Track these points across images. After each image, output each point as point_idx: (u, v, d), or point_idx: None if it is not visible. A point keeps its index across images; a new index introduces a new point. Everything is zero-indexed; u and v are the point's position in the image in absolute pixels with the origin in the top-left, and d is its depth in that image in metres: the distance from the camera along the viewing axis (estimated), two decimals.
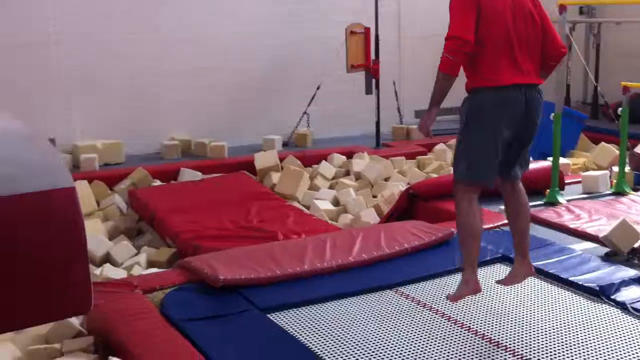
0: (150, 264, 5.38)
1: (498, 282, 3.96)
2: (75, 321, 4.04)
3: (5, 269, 2.20)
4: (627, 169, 6.38)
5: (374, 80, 8.79)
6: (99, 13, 8.13)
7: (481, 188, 3.43)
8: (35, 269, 2.23)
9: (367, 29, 8.78)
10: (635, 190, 6.20)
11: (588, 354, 3.38)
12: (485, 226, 5.11)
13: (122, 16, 8.23)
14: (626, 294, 3.94)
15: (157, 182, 7.19)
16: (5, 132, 2.47)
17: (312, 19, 9.22)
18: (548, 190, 5.97)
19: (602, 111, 10.07)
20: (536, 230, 5.16)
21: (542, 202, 5.89)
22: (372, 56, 8.78)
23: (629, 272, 4.22)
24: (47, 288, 2.21)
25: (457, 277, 4.31)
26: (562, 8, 5.91)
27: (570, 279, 4.17)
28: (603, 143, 7.97)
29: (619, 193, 6.13)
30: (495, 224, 5.23)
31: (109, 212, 6.48)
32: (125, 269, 5.25)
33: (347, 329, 3.66)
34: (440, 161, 8.03)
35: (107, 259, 5.52)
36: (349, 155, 8.14)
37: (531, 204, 5.73)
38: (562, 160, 7.17)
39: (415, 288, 4.20)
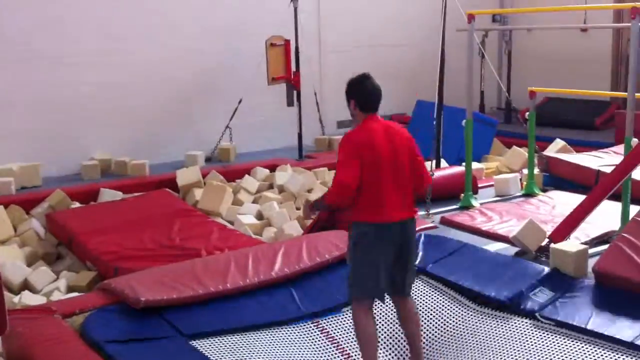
0: (71, 288, 5.29)
1: None
2: None
3: None
4: (536, 171, 6.68)
5: (295, 92, 8.89)
6: (18, 29, 7.92)
7: (372, 302, 3.71)
8: None
9: (287, 41, 8.87)
10: (544, 191, 6.51)
11: None
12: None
13: (40, 33, 8.04)
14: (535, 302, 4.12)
15: (77, 204, 7.05)
16: None
17: (232, 32, 9.24)
18: (463, 195, 6.19)
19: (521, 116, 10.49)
20: (450, 233, 5.37)
21: (458, 206, 6.11)
22: (293, 68, 8.89)
23: (536, 271, 4.42)
24: None
25: None
26: (471, 17, 6.17)
27: (483, 292, 4.28)
28: (514, 147, 8.31)
29: (529, 194, 6.42)
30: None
31: (26, 238, 6.32)
32: (45, 295, 5.15)
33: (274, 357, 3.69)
34: None
35: (26, 285, 5.39)
36: (273, 168, 8.19)
37: (447, 208, 6.03)
38: (475, 165, 7.46)
39: (333, 321, 4.21)
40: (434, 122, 6.59)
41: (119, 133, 8.66)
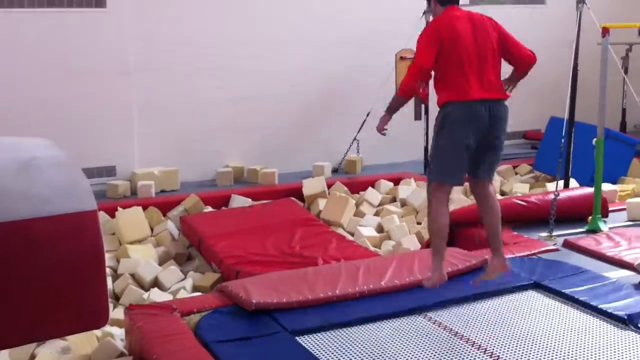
0: (196, 288, 5.61)
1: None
2: (119, 343, 4.30)
3: (31, 284, 2.44)
4: None
5: (423, 106, 8.88)
6: (163, 45, 8.54)
7: (451, 188, 3.83)
8: (58, 285, 2.46)
9: None
10: None
11: None
12: (521, 253, 5.16)
13: (179, 48, 8.61)
14: None
15: (209, 209, 7.46)
16: (41, 158, 2.73)
17: (363, 45, 9.40)
18: (590, 217, 5.93)
19: None
20: (572, 258, 5.17)
21: (584, 229, 5.86)
22: None
23: None
24: (67, 303, 2.43)
25: (488, 304, 4.39)
26: (605, 31, 5.92)
27: (600, 306, 4.17)
28: None
29: None
30: (532, 252, 5.24)
31: (161, 238, 6.77)
32: (172, 293, 5.49)
33: (374, 353, 3.77)
34: None
35: (156, 283, 5.78)
36: (397, 181, 8.24)
37: (572, 230, 5.78)
38: (609, 186, 7.11)
39: (445, 314, 4.27)
40: (562, 140, 6.36)
41: (251, 142, 9.07)
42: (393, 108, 4.11)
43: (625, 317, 3.98)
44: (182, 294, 5.36)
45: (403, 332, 4.02)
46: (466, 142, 3.70)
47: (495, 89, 3.81)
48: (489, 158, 3.83)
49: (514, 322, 4.10)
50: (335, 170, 9.00)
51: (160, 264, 6.19)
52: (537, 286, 4.60)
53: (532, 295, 4.52)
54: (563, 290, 4.44)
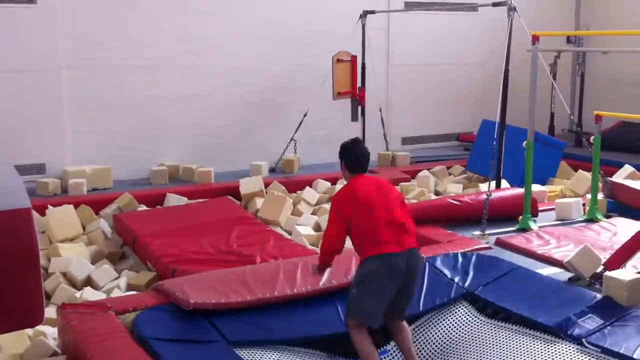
0: (130, 287, 5.50)
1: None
2: (52, 341, 4.18)
3: None
4: (600, 196, 6.52)
5: (359, 107, 8.98)
6: (96, 42, 8.34)
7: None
8: None
9: (354, 57, 8.99)
10: (607, 217, 6.34)
11: None
12: (454, 251, 5.26)
13: (113, 44, 8.43)
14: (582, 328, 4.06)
15: (143, 207, 7.33)
16: None
17: (301, 45, 9.42)
18: (521, 217, 6.11)
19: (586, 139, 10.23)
20: (504, 255, 5.31)
21: (515, 228, 6.03)
22: (359, 84, 8.98)
23: (588, 298, 4.35)
24: (1, 302, 2.34)
25: (421, 322, 4.44)
26: (535, 38, 6.11)
27: (532, 317, 4.24)
28: (580, 171, 8.13)
29: (591, 220, 6.27)
30: (465, 249, 5.35)
31: (93, 236, 6.61)
32: (105, 292, 5.38)
33: None
34: (422, 188, 8.17)
35: (89, 282, 5.64)
36: (334, 181, 8.29)
37: (503, 229, 5.96)
38: (538, 187, 7.35)
39: None
40: (494, 142, 6.53)
41: (187, 140, 8.97)
42: (322, 268, 4.31)
43: (555, 328, 4.08)
44: (116, 293, 5.25)
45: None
46: (387, 294, 3.92)
47: (408, 240, 4.00)
48: (404, 303, 4.06)
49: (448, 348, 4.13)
50: (272, 170, 8.99)
51: (93, 262, 6.06)
52: (470, 297, 4.65)
53: (463, 312, 4.56)
54: (497, 303, 4.49)
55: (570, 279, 4.74)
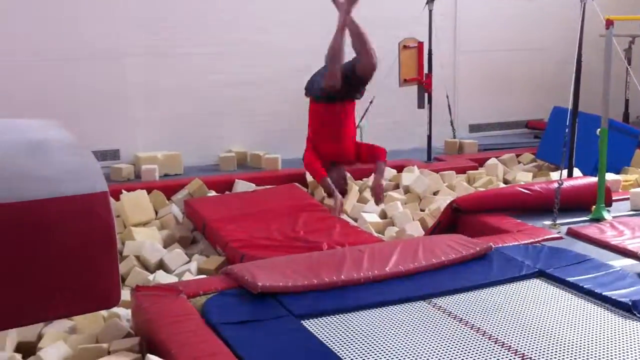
0: (200, 271, 5.63)
1: None
2: (126, 323, 4.33)
3: (43, 264, 2.45)
4: None
5: (426, 95, 8.89)
6: (164, 28, 8.53)
7: None
8: (70, 265, 2.47)
9: (421, 43, 8.89)
10: None
11: None
12: (524, 241, 5.19)
13: (186, 30, 8.60)
14: None
15: (213, 193, 7.48)
16: (52, 140, 2.74)
17: (367, 30, 9.36)
18: (594, 207, 5.95)
19: None
20: (576, 246, 5.19)
21: (588, 218, 5.88)
22: (426, 71, 8.89)
23: None
24: (79, 283, 2.44)
25: (492, 291, 4.41)
26: (609, 23, 5.92)
27: (604, 294, 4.19)
28: None
29: None
30: (535, 239, 5.27)
31: (165, 221, 6.79)
32: (177, 275, 5.52)
33: (378, 337, 3.78)
34: (491, 176, 8.05)
35: (161, 265, 5.80)
36: (400, 169, 8.25)
37: (576, 219, 5.82)
38: (612, 176, 7.13)
39: (449, 300, 4.28)
40: (566, 130, 6.37)
41: (255, 127, 9.08)
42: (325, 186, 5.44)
43: (630, 304, 4.01)
44: (187, 277, 5.38)
45: (407, 318, 4.04)
46: None
47: None
48: None
49: (519, 310, 4.12)
50: None
51: (165, 246, 6.22)
52: (542, 274, 4.62)
53: (537, 283, 4.54)
54: (567, 279, 4.46)
55: None
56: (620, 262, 4.81)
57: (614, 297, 4.14)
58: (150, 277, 5.40)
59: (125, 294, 4.69)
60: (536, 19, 10.49)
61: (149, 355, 3.22)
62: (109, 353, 3.80)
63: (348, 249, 5.04)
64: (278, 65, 9.04)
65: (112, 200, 6.71)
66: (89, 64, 8.16)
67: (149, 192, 7.13)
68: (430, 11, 8.93)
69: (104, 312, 4.42)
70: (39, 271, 2.55)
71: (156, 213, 7.02)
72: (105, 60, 8.23)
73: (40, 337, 4.17)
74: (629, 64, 9.41)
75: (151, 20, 8.46)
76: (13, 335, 4.06)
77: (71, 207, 2.61)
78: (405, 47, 8.78)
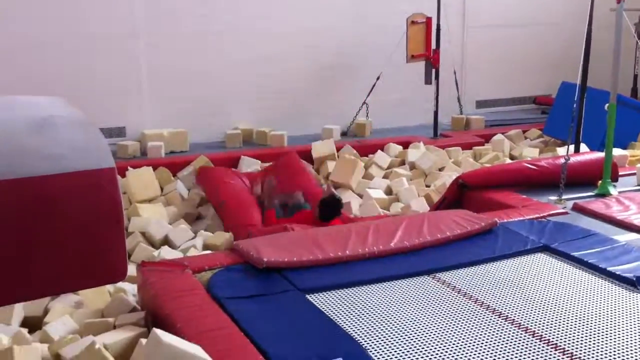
0: (206, 247, 5.66)
1: None
2: (131, 298, 4.36)
3: (52, 239, 2.47)
4: None
5: (433, 70, 8.84)
6: (171, 8, 8.48)
7: None
8: (77, 240, 2.49)
9: (429, 19, 8.83)
10: None
11: (621, 342, 3.42)
12: (530, 216, 5.18)
13: (188, 10, 8.55)
14: None
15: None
16: (59, 116, 2.74)
17: (374, 9, 9.31)
18: (600, 182, 5.92)
19: None
20: (582, 221, 5.18)
21: (594, 193, 5.86)
22: (433, 46, 8.83)
23: None
24: (86, 258, 2.46)
25: (496, 265, 4.42)
26: None
27: (609, 269, 4.19)
28: None
29: None
30: (541, 214, 5.26)
31: (171, 197, 6.81)
32: (182, 251, 5.55)
33: (382, 311, 3.80)
34: (497, 152, 8.03)
35: (166, 241, 5.83)
36: (406, 145, 8.23)
37: (581, 194, 5.80)
38: (619, 151, 7.09)
39: (453, 275, 4.29)
40: (574, 105, 6.32)
41: (261, 105, 9.05)
42: None
43: (634, 279, 4.01)
44: (192, 252, 5.41)
45: (412, 292, 4.06)
46: None
47: None
48: None
49: (524, 284, 4.13)
50: (344, 134, 9.00)
51: (171, 222, 6.24)
52: (546, 249, 4.62)
53: (542, 258, 4.54)
54: (572, 253, 4.46)
55: None
56: (625, 237, 4.80)
57: (618, 272, 4.14)
58: (155, 253, 5.43)
59: (131, 270, 4.71)
60: None
61: (155, 329, 3.23)
62: (114, 327, 3.84)
63: (352, 225, 5.05)
64: (283, 44, 9.00)
65: (118, 177, 6.81)
66: (95, 43, 8.13)
67: (154, 169, 7.15)
68: None
69: (110, 287, 4.46)
70: (46, 245, 2.56)
71: (162, 190, 7.04)
72: (111, 39, 8.21)
73: (46, 311, 4.21)
74: (639, 38, 9.30)
75: (161, 1, 8.42)
76: (19, 310, 4.10)
77: (78, 183, 2.62)
78: (413, 22, 8.71)
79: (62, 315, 4.02)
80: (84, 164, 2.66)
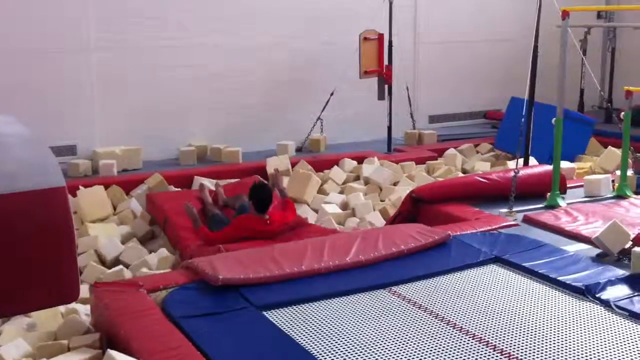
0: (159, 266, 5.59)
1: None
2: (85, 318, 4.29)
3: (2, 259, 2.42)
4: (630, 172, 6.45)
5: (386, 86, 8.95)
6: (123, 22, 8.39)
7: None
8: (29, 260, 2.44)
9: (381, 35, 8.94)
10: (636, 193, 6.28)
11: (572, 351, 3.50)
12: (482, 229, 5.28)
13: (141, 24, 8.47)
14: (611, 293, 4.06)
15: (172, 188, 7.41)
16: (8, 135, 2.70)
17: (328, 25, 9.40)
18: (549, 194, 6.07)
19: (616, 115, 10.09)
20: (532, 232, 5.30)
21: (543, 205, 6.00)
22: (386, 62, 8.94)
23: (616, 272, 4.35)
24: (38, 278, 2.42)
25: (450, 278, 4.48)
26: (565, 13, 6.02)
27: (559, 278, 4.30)
28: (610, 147, 8.03)
29: (620, 196, 6.21)
30: (492, 227, 5.36)
31: (124, 217, 6.72)
32: (135, 270, 5.47)
33: (340, 327, 3.82)
34: (450, 166, 8.15)
35: (118, 261, 5.75)
36: (361, 160, 8.30)
37: (531, 206, 5.93)
38: (567, 164, 7.29)
39: (408, 288, 4.34)
40: (522, 119, 6.48)
41: (215, 121, 9.02)
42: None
43: (583, 288, 4.12)
44: (146, 272, 5.34)
45: (369, 306, 4.09)
46: None
47: None
48: None
49: (477, 295, 4.21)
50: (299, 149, 9.03)
51: (123, 242, 6.16)
52: (498, 260, 4.71)
53: (494, 269, 4.63)
54: (523, 264, 4.56)
55: (598, 255, 4.72)
56: (574, 247, 4.93)
57: (568, 282, 4.24)
58: (108, 272, 5.35)
59: (83, 290, 4.64)
60: (495, 11, 10.63)
61: (109, 351, 3.19)
62: (69, 349, 3.76)
63: (309, 240, 5.06)
64: (236, 59, 9.00)
65: (69, 196, 6.69)
66: (46, 58, 8.00)
67: (107, 188, 7.05)
68: (391, 3, 8.97)
69: (62, 309, 4.37)
70: None
71: (115, 208, 6.94)
72: (60, 54, 8.08)
73: None
74: (584, 54, 9.60)
75: (110, 14, 8.33)
76: None
77: (29, 202, 2.58)
78: (365, 38, 8.82)
79: (15, 337, 3.92)
80: (34, 183, 2.63)
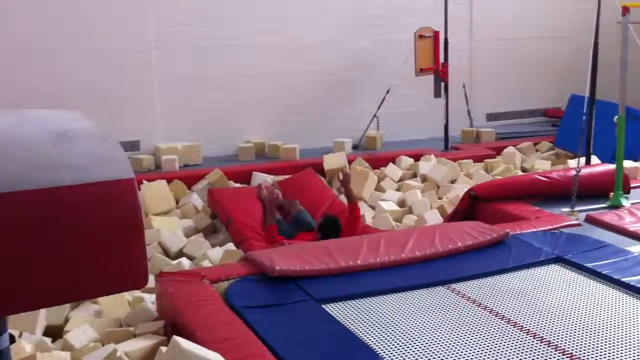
0: (223, 260, 5.70)
1: None
2: (151, 306, 4.43)
3: (73, 249, 2.54)
4: None
5: (442, 84, 8.91)
6: (184, 22, 8.60)
7: None
8: (99, 249, 2.56)
9: (436, 33, 8.91)
10: None
11: (635, 353, 3.44)
12: (543, 228, 5.22)
13: (200, 24, 8.66)
14: None
15: (232, 183, 7.56)
16: (78, 129, 2.82)
17: (383, 24, 9.42)
18: (612, 193, 5.96)
19: None
20: (595, 232, 5.21)
21: (606, 205, 5.89)
22: (442, 60, 8.91)
23: None
24: (108, 266, 2.53)
25: (510, 276, 4.45)
26: (625, 9, 5.91)
27: (622, 279, 4.22)
28: None
29: None
30: (554, 226, 5.30)
31: (186, 210, 6.88)
32: (198, 263, 5.61)
33: (399, 322, 3.83)
34: (508, 164, 8.07)
35: (182, 253, 5.90)
36: (417, 157, 8.29)
37: (594, 206, 5.83)
38: (630, 163, 7.13)
39: (467, 285, 4.32)
40: (584, 118, 6.38)
41: (272, 118, 9.15)
42: None
43: None
44: (207, 264, 5.48)
45: (427, 302, 4.10)
46: None
47: None
48: None
49: (539, 294, 4.16)
50: (355, 147, 9.07)
51: (186, 235, 6.31)
52: (560, 260, 4.65)
53: (555, 269, 4.57)
54: (586, 264, 4.49)
55: None
56: (638, 248, 4.83)
57: (632, 283, 4.17)
58: (173, 263, 5.50)
59: (149, 280, 4.78)
60: (553, 7, 10.46)
61: (175, 337, 3.30)
62: (135, 336, 3.90)
63: (365, 236, 5.10)
64: (295, 58, 9.10)
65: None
66: (110, 58, 8.26)
67: (169, 182, 7.23)
68: (446, 0, 8.93)
69: (128, 297, 4.53)
70: (70, 252, 2.63)
71: (177, 202, 7.12)
72: (125, 54, 8.33)
73: (66, 320, 4.29)
74: None
75: (172, 14, 8.54)
76: (42, 320, 4.18)
77: (99, 193, 2.68)
78: (421, 36, 8.80)
79: (82, 324, 4.09)
80: (104, 175, 2.73)
